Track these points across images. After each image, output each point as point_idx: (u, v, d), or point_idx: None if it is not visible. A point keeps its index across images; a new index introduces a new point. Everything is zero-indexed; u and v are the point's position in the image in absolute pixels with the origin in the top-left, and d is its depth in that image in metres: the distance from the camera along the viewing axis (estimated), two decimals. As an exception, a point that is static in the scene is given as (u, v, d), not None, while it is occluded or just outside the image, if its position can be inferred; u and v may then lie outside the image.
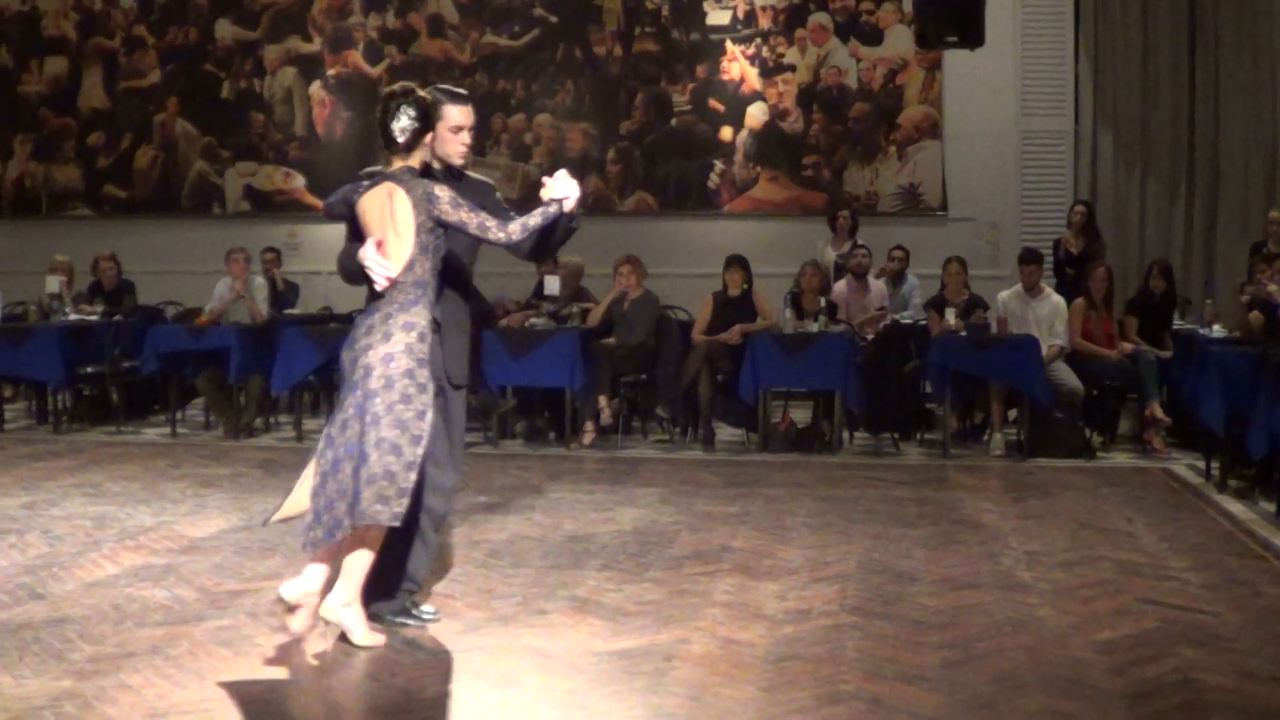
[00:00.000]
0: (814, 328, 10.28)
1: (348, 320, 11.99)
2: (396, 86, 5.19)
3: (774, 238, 13.58)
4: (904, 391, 10.87)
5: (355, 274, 5.20)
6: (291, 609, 5.08)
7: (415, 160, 5.16)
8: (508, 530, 6.79)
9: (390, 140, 5.10)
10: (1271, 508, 7.94)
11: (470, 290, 5.68)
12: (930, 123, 13.72)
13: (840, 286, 11.40)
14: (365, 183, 5.19)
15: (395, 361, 5.00)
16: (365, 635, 5.18)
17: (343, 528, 4.94)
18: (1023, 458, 9.91)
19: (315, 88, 14.83)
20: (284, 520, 5.22)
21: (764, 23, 13.97)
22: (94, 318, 11.61)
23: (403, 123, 5.08)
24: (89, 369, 11.33)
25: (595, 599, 5.98)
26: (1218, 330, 10.29)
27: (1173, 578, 6.37)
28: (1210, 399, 8.71)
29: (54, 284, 11.66)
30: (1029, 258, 10.69)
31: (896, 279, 12.05)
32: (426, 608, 5.66)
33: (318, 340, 10.66)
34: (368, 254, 5.06)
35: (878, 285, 11.51)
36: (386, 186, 5.10)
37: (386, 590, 5.45)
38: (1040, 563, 6.67)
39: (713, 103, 14.05)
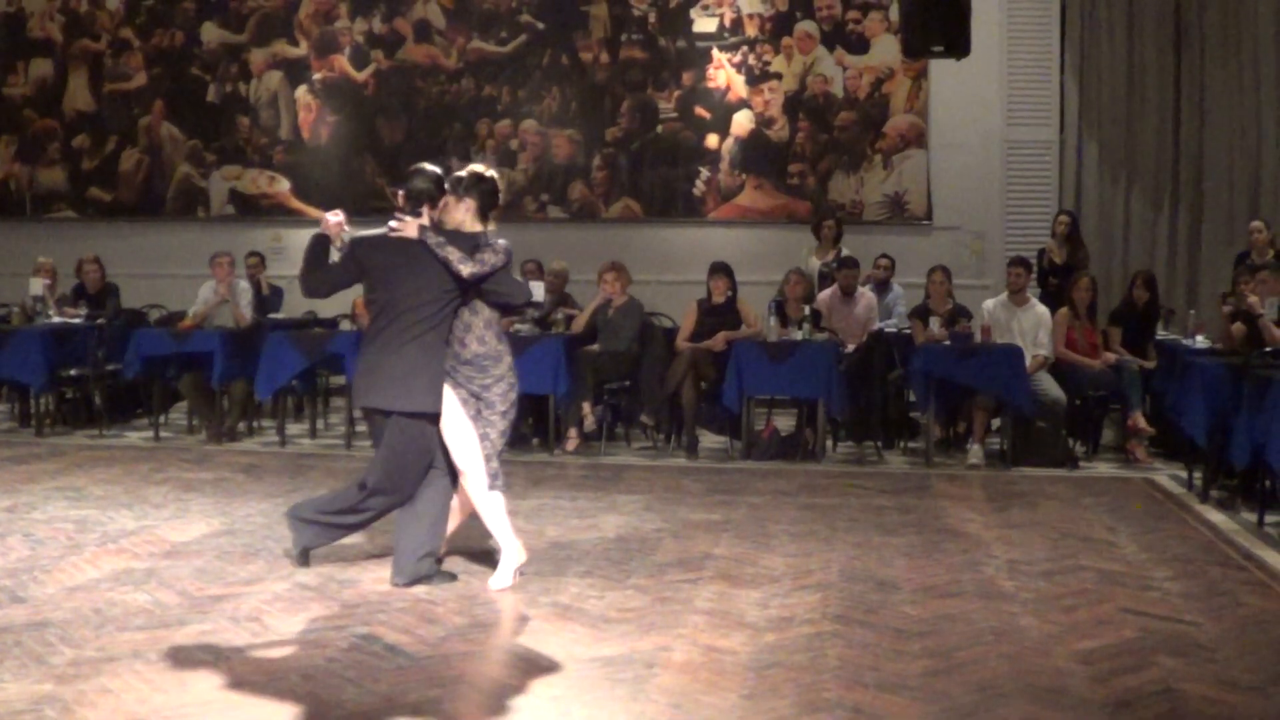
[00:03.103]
0: (798, 335, 10.28)
1: (332, 325, 12.05)
2: (494, 173, 6.48)
3: (759, 245, 13.60)
4: (887, 400, 10.89)
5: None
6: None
7: None
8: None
9: (488, 214, 6.39)
10: (1253, 518, 7.97)
11: None
12: (916, 132, 13.76)
13: (825, 296, 11.38)
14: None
15: None
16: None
17: None
18: (1006, 467, 9.93)
19: (301, 92, 14.82)
20: None
21: (750, 31, 13.99)
22: (77, 320, 11.58)
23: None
24: (72, 372, 11.30)
25: (577, 605, 5.98)
26: (1201, 341, 10.34)
27: (1154, 587, 6.39)
28: (1193, 409, 8.73)
29: (37, 286, 11.63)
30: (1018, 262, 10.72)
31: (881, 287, 12.06)
32: None
33: (302, 345, 10.65)
34: None
35: (868, 296, 11.48)
36: None
37: None
38: (1022, 572, 6.68)
39: (698, 110, 14.07)
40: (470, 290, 6.21)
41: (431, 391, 6.18)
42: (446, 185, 6.33)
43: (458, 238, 6.25)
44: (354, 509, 6.39)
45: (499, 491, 6.30)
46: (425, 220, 6.25)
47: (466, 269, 6.12)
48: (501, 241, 6.27)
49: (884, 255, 12.22)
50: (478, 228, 6.33)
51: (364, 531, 6.96)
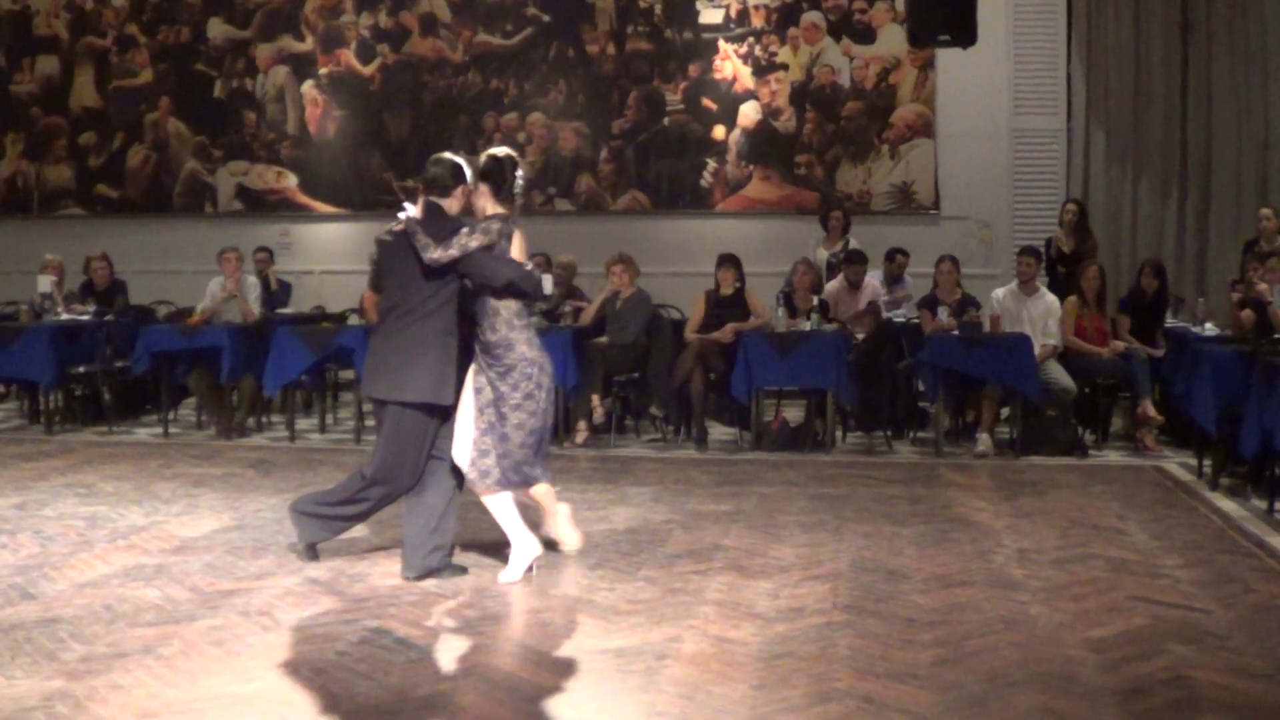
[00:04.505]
0: (806, 326, 10.28)
1: (340, 319, 12.06)
2: (511, 152, 6.39)
3: (766, 236, 13.59)
4: (896, 390, 10.87)
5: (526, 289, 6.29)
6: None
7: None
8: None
9: (510, 194, 6.30)
10: (1263, 505, 7.97)
11: None
12: (923, 121, 13.73)
13: (831, 287, 11.37)
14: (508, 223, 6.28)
15: None
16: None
17: None
18: (1015, 456, 9.92)
19: (307, 87, 14.82)
20: None
21: (756, 21, 13.97)
22: (86, 317, 11.59)
23: (519, 183, 6.35)
24: (81, 369, 11.30)
25: (588, 597, 5.99)
26: (1209, 329, 10.31)
27: (1164, 575, 6.38)
28: (1202, 397, 8.71)
29: (45, 283, 11.65)
30: (1027, 251, 10.71)
31: (896, 280, 12.04)
32: None
33: (310, 340, 10.65)
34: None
35: (873, 285, 11.45)
36: (515, 228, 6.32)
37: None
38: (1032, 560, 6.68)
39: (705, 101, 14.05)
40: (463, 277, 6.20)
41: (428, 382, 6.15)
42: (467, 171, 6.31)
43: (454, 224, 6.23)
44: (353, 499, 6.40)
45: (497, 488, 6.28)
46: (415, 212, 6.23)
47: (428, 254, 6.05)
48: (492, 225, 6.18)
49: (901, 253, 12.13)
50: (499, 210, 6.28)
51: (372, 525, 6.98)
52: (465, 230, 6.13)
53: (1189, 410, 9.09)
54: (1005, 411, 10.46)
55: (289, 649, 5.23)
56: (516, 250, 6.26)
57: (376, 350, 6.30)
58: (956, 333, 10.13)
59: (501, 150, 6.40)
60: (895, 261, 12.09)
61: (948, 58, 13.12)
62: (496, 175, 6.28)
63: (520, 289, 6.25)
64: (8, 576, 6.31)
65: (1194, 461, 9.35)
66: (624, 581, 6.26)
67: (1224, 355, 8.74)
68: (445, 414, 6.27)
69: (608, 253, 11.21)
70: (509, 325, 6.22)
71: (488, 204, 6.29)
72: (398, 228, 6.22)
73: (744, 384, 10.08)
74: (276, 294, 12.56)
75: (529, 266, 6.31)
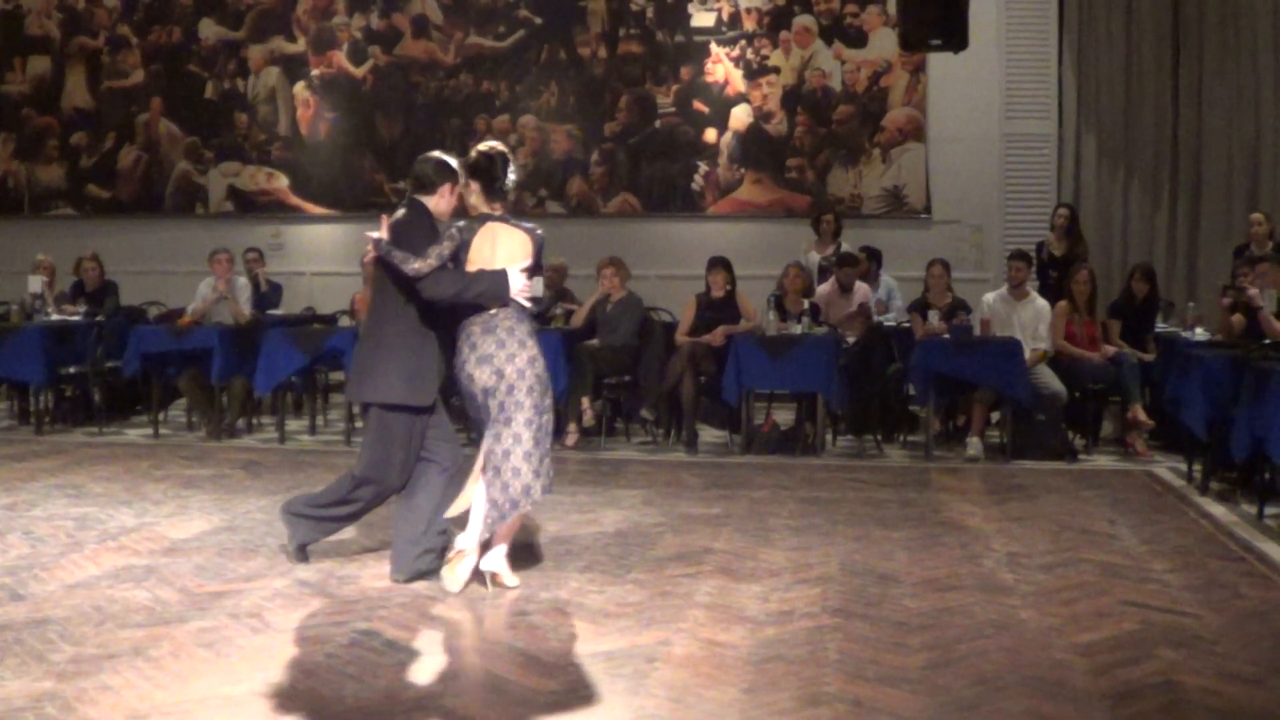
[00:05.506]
0: (797, 329, 10.28)
1: (330, 321, 12.04)
2: (502, 147, 6.23)
3: (758, 240, 13.59)
4: (887, 393, 10.88)
5: (480, 295, 6.01)
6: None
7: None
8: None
9: (499, 190, 6.15)
10: (1253, 510, 7.97)
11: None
12: (914, 125, 13.74)
13: (823, 290, 11.38)
14: (474, 224, 6.12)
15: (537, 364, 6.10)
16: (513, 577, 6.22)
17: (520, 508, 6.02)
18: (1005, 460, 9.92)
19: (299, 88, 14.81)
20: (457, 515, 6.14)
21: (748, 25, 13.98)
22: (76, 318, 11.57)
23: (511, 179, 6.19)
24: (71, 369, 11.29)
25: (577, 600, 5.98)
26: (1200, 333, 10.33)
27: (1154, 580, 6.39)
28: (1192, 402, 8.72)
29: (36, 284, 11.63)
30: (1018, 255, 10.72)
31: (868, 281, 12.02)
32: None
33: (301, 341, 10.65)
34: (518, 282, 6.07)
35: (864, 289, 11.46)
36: (491, 226, 6.12)
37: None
38: (1022, 565, 6.68)
39: (697, 104, 14.06)
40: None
41: (399, 383, 6.10)
42: (456, 169, 6.26)
43: (431, 224, 6.18)
44: (343, 500, 6.39)
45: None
46: (382, 232, 6.09)
47: (410, 267, 5.93)
48: (453, 234, 6.06)
49: (862, 248, 12.11)
50: (486, 208, 6.17)
51: (362, 527, 6.97)
52: (440, 239, 6.02)
53: (1179, 415, 9.10)
54: (995, 416, 10.47)
55: (278, 651, 5.22)
56: (486, 255, 6.09)
57: (356, 354, 6.34)
58: (947, 336, 10.14)
59: (491, 145, 6.23)
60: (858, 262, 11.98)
61: (939, 62, 13.15)
62: (487, 172, 6.13)
63: (469, 302, 6.05)
64: (-3, 577, 6.31)
65: (1184, 466, 9.37)
66: (613, 584, 6.26)
67: (1214, 360, 8.75)
68: (430, 413, 6.25)
69: (599, 255, 11.23)
70: (466, 337, 6.09)
71: (480, 202, 6.16)
72: (368, 259, 6.18)
73: (734, 387, 10.08)
74: (267, 295, 12.53)
75: (521, 267, 6.13)
